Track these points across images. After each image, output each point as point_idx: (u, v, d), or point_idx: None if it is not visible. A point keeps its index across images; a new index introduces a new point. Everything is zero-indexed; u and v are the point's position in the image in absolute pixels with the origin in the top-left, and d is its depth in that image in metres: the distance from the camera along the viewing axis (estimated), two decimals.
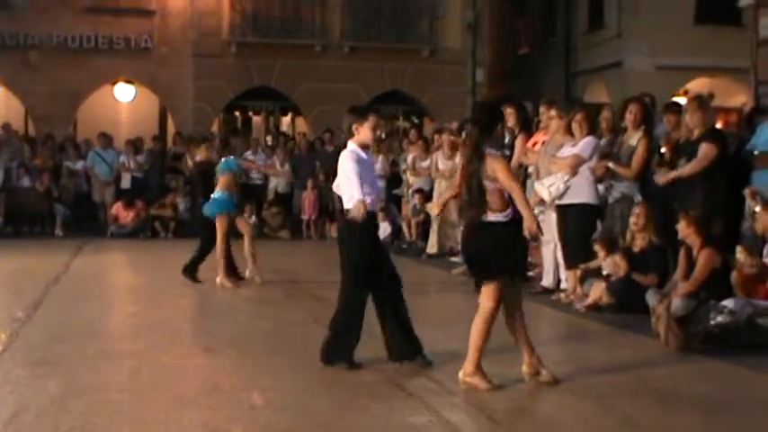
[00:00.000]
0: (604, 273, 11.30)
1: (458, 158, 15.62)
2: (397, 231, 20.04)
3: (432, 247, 17.49)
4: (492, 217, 7.21)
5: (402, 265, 16.37)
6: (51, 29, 27.38)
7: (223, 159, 13.50)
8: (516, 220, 7.20)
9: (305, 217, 22.14)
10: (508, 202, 7.19)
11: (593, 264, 11.53)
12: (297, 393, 7.03)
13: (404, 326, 8.08)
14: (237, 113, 30.38)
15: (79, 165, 22.72)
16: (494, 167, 7.19)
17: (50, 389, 7.10)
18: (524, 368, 7.46)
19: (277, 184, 22.67)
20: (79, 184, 22.62)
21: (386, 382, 7.39)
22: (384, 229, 20.25)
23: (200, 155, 14.25)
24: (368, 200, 8.09)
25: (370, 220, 8.32)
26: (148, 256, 13.75)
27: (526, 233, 7.14)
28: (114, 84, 28.44)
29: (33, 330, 9.71)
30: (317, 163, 22.79)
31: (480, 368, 7.22)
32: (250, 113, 30.42)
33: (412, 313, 8.14)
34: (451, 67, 29.11)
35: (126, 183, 22.24)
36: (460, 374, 7.26)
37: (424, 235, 18.19)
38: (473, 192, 7.26)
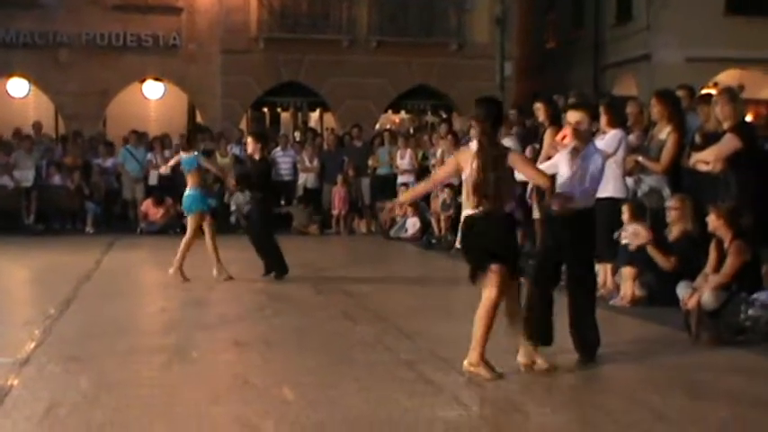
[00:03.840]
0: (623, 242, 11.22)
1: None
2: (426, 226, 20.04)
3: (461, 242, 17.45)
4: (508, 209, 7.51)
5: (432, 260, 16.53)
6: (80, 27, 27.59)
7: (189, 156, 13.48)
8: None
9: (334, 212, 22.19)
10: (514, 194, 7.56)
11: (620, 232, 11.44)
12: (327, 388, 7.03)
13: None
14: (266, 109, 30.45)
15: (109, 162, 22.83)
16: (514, 161, 7.44)
17: (83, 385, 7.13)
18: (520, 358, 7.62)
19: (306, 179, 22.72)
20: (109, 182, 22.73)
21: (417, 377, 7.38)
22: (413, 224, 20.30)
23: (258, 153, 14.04)
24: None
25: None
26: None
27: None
28: (143, 81, 28.61)
29: (65, 327, 9.77)
30: (345, 158, 22.77)
31: (484, 358, 7.32)
32: (278, 109, 30.50)
33: (443, 307, 8.12)
34: (479, 61, 29.09)
35: (153, 179, 22.27)
36: (465, 364, 7.35)
37: (453, 229, 18.16)
38: (492, 184, 7.32)
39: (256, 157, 13.87)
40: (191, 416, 6.37)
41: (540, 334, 7.77)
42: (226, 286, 12.95)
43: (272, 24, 28.64)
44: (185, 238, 13.40)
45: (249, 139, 14.40)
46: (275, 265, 13.53)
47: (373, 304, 11.11)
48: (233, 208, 21.90)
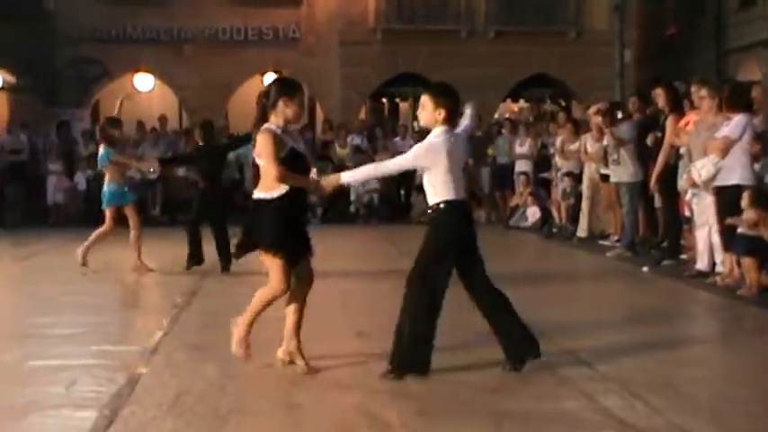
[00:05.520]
0: (739, 230, 10.99)
1: (605, 141, 15.43)
2: (546, 215, 19.91)
3: (582, 231, 17.30)
4: (261, 194, 7.53)
5: (552, 249, 16.43)
6: (203, 22, 28.11)
7: (103, 150, 13.85)
8: (290, 197, 7.35)
9: None
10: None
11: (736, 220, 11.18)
12: (449, 379, 7.05)
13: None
14: (384, 100, 30.57)
15: (231, 155, 23.12)
16: (259, 142, 7.29)
17: (209, 372, 7.28)
18: (279, 354, 7.48)
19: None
20: (232, 174, 23.04)
21: (541, 368, 7.29)
22: (533, 213, 20.19)
23: (201, 140, 14.47)
24: None
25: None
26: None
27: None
28: (264, 74, 28.96)
29: (192, 316, 9.98)
30: None
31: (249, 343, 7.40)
32: (397, 100, 30.59)
33: (565, 298, 8.04)
34: (599, 48, 28.73)
35: None
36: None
37: (574, 218, 18.01)
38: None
39: (200, 143, 14.41)
40: (314, 404, 6.45)
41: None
42: (340, 278, 13.02)
43: (390, 16, 28.76)
44: (102, 229, 13.94)
45: (196, 128, 15.07)
46: (189, 255, 13.92)
47: None
48: (353, 198, 22.08)
